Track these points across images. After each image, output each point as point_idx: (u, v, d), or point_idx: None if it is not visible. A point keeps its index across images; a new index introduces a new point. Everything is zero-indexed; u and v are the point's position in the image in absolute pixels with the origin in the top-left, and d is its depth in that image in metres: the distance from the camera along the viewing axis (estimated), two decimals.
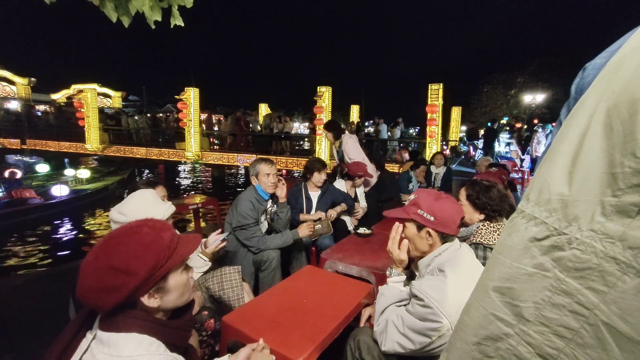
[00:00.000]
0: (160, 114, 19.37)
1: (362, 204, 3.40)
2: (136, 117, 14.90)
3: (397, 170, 7.34)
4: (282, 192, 2.38)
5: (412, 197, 1.29)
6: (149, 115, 15.56)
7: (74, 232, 7.69)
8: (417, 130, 17.34)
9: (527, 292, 0.46)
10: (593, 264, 0.41)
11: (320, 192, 2.91)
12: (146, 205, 1.41)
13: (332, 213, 2.81)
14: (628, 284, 0.38)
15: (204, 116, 14.38)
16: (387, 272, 1.35)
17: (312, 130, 11.26)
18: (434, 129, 9.85)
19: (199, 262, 1.72)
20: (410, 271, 1.47)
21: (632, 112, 0.36)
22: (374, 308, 1.37)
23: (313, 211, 2.86)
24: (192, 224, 6.80)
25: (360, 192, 3.48)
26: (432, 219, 1.19)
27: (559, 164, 0.44)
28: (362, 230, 2.55)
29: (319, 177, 2.81)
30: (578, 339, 0.43)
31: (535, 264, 0.45)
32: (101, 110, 15.12)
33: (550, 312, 0.45)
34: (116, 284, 0.71)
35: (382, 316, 1.22)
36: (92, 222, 8.40)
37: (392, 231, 1.34)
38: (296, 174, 12.29)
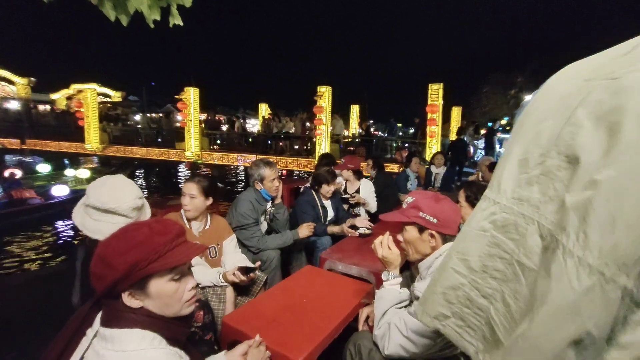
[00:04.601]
0: (160, 114, 19.39)
1: (372, 204, 3.29)
2: (137, 117, 14.92)
3: (396, 170, 7.34)
4: (278, 191, 2.41)
5: (408, 198, 1.27)
6: (160, 115, 15.52)
7: (74, 232, 7.69)
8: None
9: (474, 249, 0.64)
10: (512, 221, 0.59)
11: (329, 200, 2.90)
12: (117, 189, 1.28)
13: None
14: (529, 231, 0.56)
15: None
16: (383, 276, 1.33)
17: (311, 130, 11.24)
18: (434, 129, 9.85)
19: (216, 281, 1.72)
20: (411, 273, 1.46)
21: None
22: (372, 308, 1.36)
23: (329, 217, 2.85)
24: None
25: (369, 191, 3.36)
26: (435, 221, 1.18)
27: (506, 164, 0.64)
28: (362, 230, 2.54)
29: (328, 189, 2.78)
30: (504, 277, 0.60)
31: (480, 227, 0.64)
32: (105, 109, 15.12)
33: (487, 261, 0.62)
34: (100, 273, 0.74)
35: (383, 319, 1.21)
36: None
37: (380, 239, 1.32)
38: (296, 175, 12.29)
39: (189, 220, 1.93)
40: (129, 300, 0.76)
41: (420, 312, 0.72)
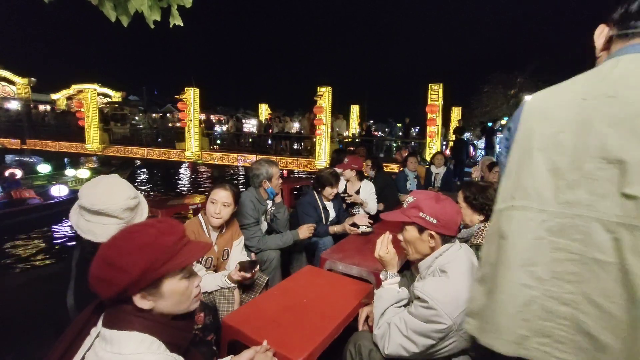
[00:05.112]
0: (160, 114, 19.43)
1: (372, 205, 3.25)
2: (137, 117, 14.95)
3: (396, 170, 7.34)
4: (277, 189, 2.45)
5: (409, 198, 1.27)
6: (160, 115, 15.55)
7: (73, 232, 7.68)
8: (417, 130, 17.33)
9: (537, 258, 0.65)
10: (568, 224, 0.62)
11: (331, 201, 2.91)
12: (108, 190, 1.23)
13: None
14: (592, 228, 0.59)
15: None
16: (382, 276, 1.33)
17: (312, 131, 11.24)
18: (434, 129, 9.85)
19: (223, 283, 1.71)
20: (411, 273, 1.46)
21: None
22: (372, 308, 1.36)
23: (331, 218, 2.85)
24: None
25: (369, 192, 3.33)
26: (435, 221, 1.17)
27: (535, 175, 0.68)
28: (363, 228, 2.54)
29: (330, 191, 2.79)
30: (580, 278, 0.61)
31: (535, 236, 0.65)
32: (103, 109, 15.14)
33: (556, 266, 0.63)
34: (110, 277, 0.72)
35: (382, 319, 1.21)
36: None
37: (381, 238, 1.32)
38: (296, 174, 12.28)
39: (213, 227, 1.88)
40: (141, 301, 0.75)
41: (499, 342, 0.67)
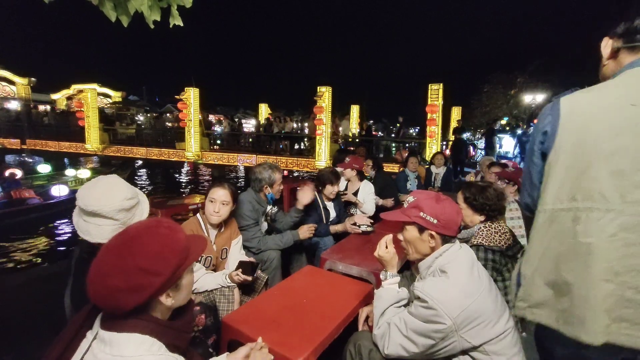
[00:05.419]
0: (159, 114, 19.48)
1: (369, 206, 3.21)
2: (140, 117, 14.98)
3: (396, 170, 7.34)
4: (308, 198, 2.39)
5: (410, 198, 1.27)
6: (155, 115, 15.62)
7: (73, 232, 7.68)
8: (417, 130, 17.34)
9: (612, 254, 0.70)
10: (636, 221, 0.68)
11: (332, 201, 2.91)
12: (104, 191, 1.22)
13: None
14: None
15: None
16: (382, 276, 1.33)
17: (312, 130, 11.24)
18: (434, 129, 9.85)
19: (224, 282, 1.71)
20: (411, 273, 1.46)
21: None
22: (372, 308, 1.36)
23: (332, 218, 2.84)
24: None
25: (368, 193, 3.30)
26: (435, 222, 1.17)
27: (598, 177, 0.72)
28: (364, 227, 2.54)
29: (331, 189, 2.78)
30: None
31: (609, 233, 0.71)
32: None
33: (630, 260, 0.69)
34: (142, 283, 0.71)
35: (382, 319, 1.21)
36: None
37: (382, 241, 1.33)
38: (296, 174, 12.28)
39: (211, 225, 1.90)
40: (166, 300, 0.76)
41: (586, 334, 0.72)
